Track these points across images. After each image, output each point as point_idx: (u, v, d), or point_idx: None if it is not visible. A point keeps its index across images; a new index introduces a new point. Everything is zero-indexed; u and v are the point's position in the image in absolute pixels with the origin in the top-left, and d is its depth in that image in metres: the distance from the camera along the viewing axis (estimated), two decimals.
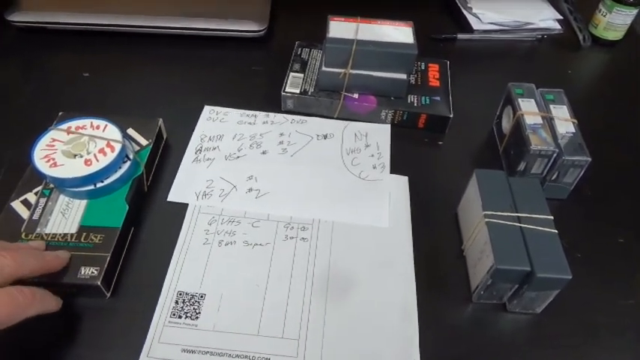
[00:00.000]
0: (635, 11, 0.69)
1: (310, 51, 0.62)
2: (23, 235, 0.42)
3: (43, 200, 0.44)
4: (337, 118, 0.58)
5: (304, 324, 0.41)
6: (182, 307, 0.41)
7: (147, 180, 0.49)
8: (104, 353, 0.39)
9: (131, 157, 0.47)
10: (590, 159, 0.47)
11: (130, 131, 0.50)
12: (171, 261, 0.44)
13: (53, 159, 0.44)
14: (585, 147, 0.48)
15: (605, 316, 0.44)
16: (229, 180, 0.50)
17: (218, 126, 0.56)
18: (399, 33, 0.56)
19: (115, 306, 0.42)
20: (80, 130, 0.47)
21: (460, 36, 0.71)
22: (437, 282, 0.45)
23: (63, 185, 0.44)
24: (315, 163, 0.53)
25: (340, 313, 0.42)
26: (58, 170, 0.43)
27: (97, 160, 0.45)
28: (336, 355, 0.39)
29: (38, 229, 0.42)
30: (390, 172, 0.53)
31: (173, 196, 0.49)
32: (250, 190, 0.50)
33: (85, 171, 0.44)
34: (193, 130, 0.55)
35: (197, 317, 0.41)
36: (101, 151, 0.45)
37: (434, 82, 0.59)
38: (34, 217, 0.43)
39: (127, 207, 0.45)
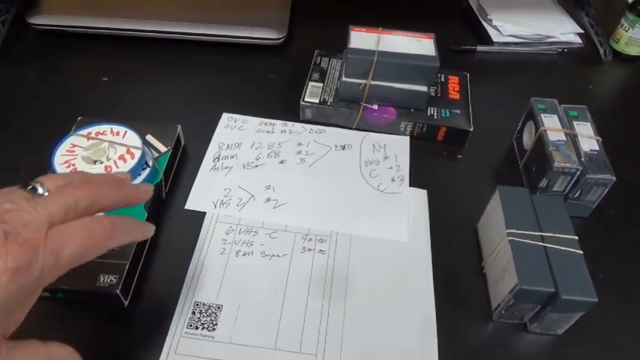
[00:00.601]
0: None
1: (329, 60, 0.62)
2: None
3: None
4: (356, 129, 0.57)
5: (322, 339, 0.40)
6: (199, 318, 0.41)
7: (165, 187, 0.49)
8: None
9: (150, 163, 0.47)
10: (614, 178, 0.46)
11: (149, 137, 0.50)
12: (188, 270, 0.44)
13: (73, 164, 0.44)
14: (610, 165, 0.47)
15: (628, 340, 0.43)
16: (247, 189, 0.50)
17: (236, 134, 0.56)
18: (420, 45, 0.55)
19: (132, 315, 0.41)
20: (100, 136, 0.47)
21: (479, 48, 0.71)
22: (456, 299, 0.44)
23: None
24: (333, 174, 0.52)
25: (358, 328, 0.41)
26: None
27: (117, 167, 0.45)
28: None
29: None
30: (409, 185, 0.52)
31: (191, 204, 0.49)
32: (268, 199, 0.49)
33: None
34: (211, 138, 0.55)
35: (214, 329, 0.40)
36: (121, 157, 0.45)
37: (454, 95, 0.59)
38: None
39: (146, 214, 0.44)
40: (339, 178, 0.52)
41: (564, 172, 0.47)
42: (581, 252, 0.40)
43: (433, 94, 0.58)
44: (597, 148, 0.48)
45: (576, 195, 0.49)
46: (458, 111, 0.57)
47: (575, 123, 0.51)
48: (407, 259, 0.46)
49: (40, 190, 0.29)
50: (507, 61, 0.71)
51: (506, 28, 0.72)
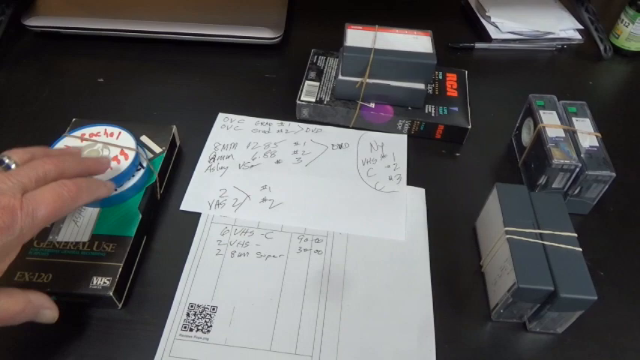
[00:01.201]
0: None
1: (326, 59, 0.61)
2: (35, 244, 0.41)
3: None
4: (353, 128, 0.57)
5: (318, 340, 0.40)
6: (194, 320, 0.40)
7: (160, 188, 0.48)
8: None
9: (144, 165, 0.47)
10: (614, 174, 0.46)
11: (144, 138, 0.50)
12: (183, 272, 0.43)
13: None
14: (610, 162, 0.46)
15: (629, 338, 0.42)
16: (243, 189, 0.50)
17: (232, 134, 0.55)
18: (418, 42, 0.55)
19: (126, 317, 0.41)
20: (94, 138, 0.46)
21: (478, 45, 0.70)
22: (454, 298, 0.43)
23: None
24: (330, 174, 0.52)
25: (355, 329, 0.41)
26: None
27: (111, 168, 0.44)
28: None
29: (50, 237, 0.42)
30: (407, 184, 0.51)
31: (186, 205, 0.48)
32: (264, 199, 0.49)
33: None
34: (207, 138, 0.55)
35: (209, 331, 0.40)
36: (115, 158, 0.45)
37: (452, 92, 0.58)
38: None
39: (140, 216, 0.44)
40: (336, 177, 0.51)
41: (563, 168, 0.47)
42: (580, 249, 0.39)
43: (431, 91, 0.58)
44: (597, 144, 0.48)
45: (576, 192, 0.48)
46: (456, 109, 0.56)
47: (574, 119, 0.50)
48: (405, 259, 0.45)
49: (7, 161, 0.34)
50: (506, 58, 0.70)
51: (505, 25, 0.71)
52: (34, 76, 0.62)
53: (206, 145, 0.54)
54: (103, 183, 0.39)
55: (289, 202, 0.49)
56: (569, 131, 0.49)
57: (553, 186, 0.49)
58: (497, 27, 0.71)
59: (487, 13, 0.72)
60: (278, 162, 0.52)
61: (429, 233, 0.48)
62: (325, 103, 0.56)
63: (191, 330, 0.40)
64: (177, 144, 0.53)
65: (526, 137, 0.53)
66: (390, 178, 0.52)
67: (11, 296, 0.34)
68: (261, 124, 0.56)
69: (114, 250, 0.41)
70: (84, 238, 0.42)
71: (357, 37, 0.55)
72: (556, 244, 0.40)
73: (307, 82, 0.58)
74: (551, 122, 0.50)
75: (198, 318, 0.40)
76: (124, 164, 0.45)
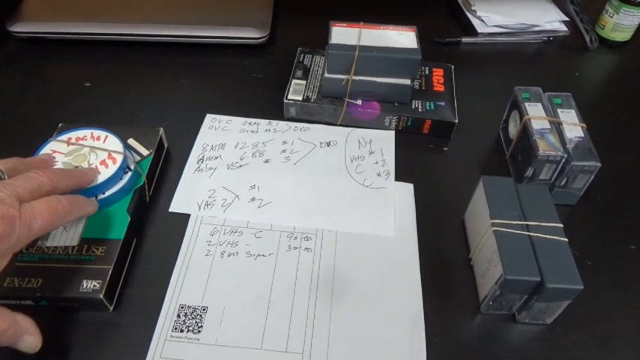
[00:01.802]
0: None
1: (313, 57, 0.61)
2: (24, 249, 0.41)
3: None
4: (340, 125, 0.57)
5: (308, 337, 0.40)
6: (184, 321, 0.40)
7: (149, 190, 0.48)
8: None
9: (132, 167, 0.47)
10: (599, 164, 0.46)
11: (131, 141, 0.50)
12: (173, 273, 0.43)
13: None
14: (595, 152, 0.47)
15: (618, 326, 0.43)
16: (232, 189, 0.50)
17: (220, 135, 0.55)
18: (403, 38, 0.55)
19: (117, 320, 0.41)
20: (81, 142, 0.46)
21: (464, 40, 0.70)
22: (444, 292, 0.44)
23: None
24: (318, 171, 0.52)
25: (345, 325, 0.41)
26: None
27: (99, 173, 0.44)
28: None
29: (39, 242, 0.42)
30: (395, 179, 0.52)
31: (175, 206, 0.48)
32: (253, 199, 0.49)
33: None
34: (195, 139, 0.55)
35: (199, 331, 0.40)
36: (102, 162, 0.45)
37: (438, 87, 0.59)
38: None
39: (129, 218, 0.44)
40: (325, 175, 0.52)
41: (549, 160, 0.47)
42: (566, 240, 0.40)
43: (417, 87, 0.58)
44: (582, 135, 0.48)
45: (563, 183, 0.48)
46: (443, 103, 0.57)
47: (559, 111, 0.50)
48: (394, 254, 0.46)
49: None
50: (493, 52, 0.70)
51: (491, 19, 0.71)
52: (19, 82, 0.61)
53: (194, 147, 0.54)
54: (91, 201, 0.41)
55: (278, 200, 0.49)
56: (555, 123, 0.49)
57: (540, 177, 0.49)
58: (483, 21, 0.71)
59: (473, 7, 0.73)
60: (266, 161, 0.53)
61: (418, 228, 0.48)
62: (312, 101, 0.56)
63: (182, 331, 0.40)
64: (165, 146, 0.53)
65: (513, 130, 0.53)
66: (379, 174, 0.52)
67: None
68: (249, 124, 0.56)
69: (103, 253, 0.42)
70: (73, 242, 0.42)
71: (342, 34, 0.55)
72: (542, 235, 0.40)
73: (294, 81, 0.58)
74: (536, 114, 0.50)
75: (189, 319, 0.41)
76: (112, 167, 0.45)
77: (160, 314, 0.41)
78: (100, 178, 0.44)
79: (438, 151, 0.56)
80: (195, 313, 0.41)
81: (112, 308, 0.41)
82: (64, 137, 0.46)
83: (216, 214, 0.48)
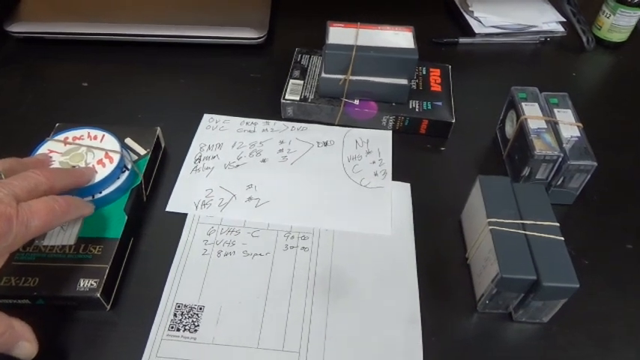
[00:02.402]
0: (639, 12, 0.68)
1: (310, 57, 0.61)
2: (21, 248, 0.41)
3: None
4: (338, 125, 0.57)
5: (305, 336, 0.40)
6: (181, 320, 0.40)
7: (146, 190, 0.48)
8: None
9: (129, 167, 0.47)
10: (596, 164, 0.46)
11: (128, 141, 0.50)
12: (170, 272, 0.43)
13: None
14: (591, 151, 0.47)
15: (615, 325, 0.43)
16: (229, 189, 0.50)
17: (217, 134, 0.55)
18: (400, 38, 0.55)
19: (113, 318, 0.41)
20: (78, 141, 0.46)
21: (462, 40, 0.70)
22: (441, 291, 0.44)
23: None
24: (315, 171, 0.52)
25: (342, 323, 0.41)
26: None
27: (96, 172, 0.44)
28: None
29: (36, 242, 0.42)
30: (392, 179, 0.52)
31: (172, 206, 0.48)
32: (250, 199, 0.49)
33: None
34: (192, 139, 0.55)
35: (196, 330, 0.40)
36: (100, 162, 0.45)
37: (435, 87, 0.59)
38: None
39: (126, 217, 0.44)
40: (322, 174, 0.52)
41: (545, 159, 0.47)
42: (562, 238, 0.40)
43: (414, 87, 0.58)
44: (578, 134, 0.48)
45: (559, 182, 0.48)
46: (440, 103, 0.57)
47: (556, 110, 0.50)
48: (391, 253, 0.46)
49: None
50: (490, 53, 0.70)
51: (488, 19, 0.72)
52: (17, 82, 0.61)
53: (191, 146, 0.54)
54: (87, 203, 0.41)
55: (275, 200, 0.49)
56: (551, 122, 0.49)
57: (537, 177, 0.49)
58: (480, 21, 0.72)
59: (470, 8, 0.73)
60: (264, 161, 0.53)
61: (415, 227, 0.48)
62: (310, 101, 0.56)
63: (178, 330, 0.40)
64: (163, 145, 0.53)
65: (509, 129, 0.53)
66: (376, 174, 0.52)
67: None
68: (247, 123, 0.57)
69: (100, 252, 0.42)
70: (70, 241, 0.42)
71: (339, 34, 0.55)
72: (538, 234, 0.40)
73: (291, 81, 0.58)
74: (533, 114, 0.50)
75: (186, 318, 0.41)
76: (109, 167, 0.45)
77: (157, 313, 0.41)
78: (97, 177, 0.44)
79: (435, 151, 0.56)
80: (191, 312, 0.41)
81: (109, 307, 0.41)
82: (61, 137, 0.47)
83: (213, 214, 0.48)
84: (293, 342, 0.39)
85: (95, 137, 0.47)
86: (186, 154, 0.53)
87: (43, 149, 0.45)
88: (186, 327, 0.40)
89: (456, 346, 0.41)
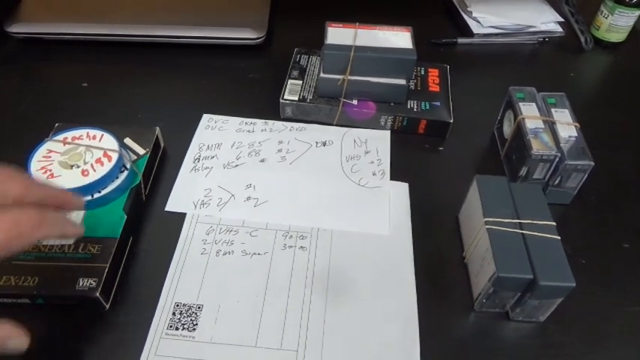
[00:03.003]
0: (637, 12, 0.68)
1: (309, 57, 0.62)
2: None
3: None
4: (336, 125, 0.57)
5: (303, 334, 0.40)
6: (179, 319, 0.41)
7: (145, 189, 0.49)
8: None
9: (128, 166, 0.47)
10: (593, 163, 0.46)
11: (127, 140, 0.50)
12: (169, 271, 0.44)
13: (50, 170, 0.44)
14: (588, 151, 0.47)
15: (611, 324, 0.43)
16: (227, 189, 0.50)
17: (216, 134, 0.55)
18: (398, 38, 0.55)
19: (112, 317, 0.41)
20: (76, 141, 0.47)
21: (460, 40, 0.71)
22: (438, 290, 0.44)
23: None
24: (314, 171, 0.52)
25: (340, 323, 0.41)
26: (54, 181, 0.43)
27: (94, 170, 0.44)
28: None
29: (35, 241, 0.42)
30: (390, 179, 0.52)
31: (171, 205, 0.49)
32: (249, 198, 0.49)
33: (82, 181, 0.44)
34: (192, 139, 0.55)
35: (194, 329, 0.40)
36: (98, 161, 0.45)
37: (434, 87, 0.59)
38: None
39: (125, 217, 0.44)
40: (320, 174, 0.52)
41: (543, 159, 0.47)
42: (559, 237, 0.40)
43: (413, 87, 0.58)
44: (575, 134, 0.48)
45: (557, 182, 0.49)
46: (438, 103, 0.57)
47: (553, 110, 0.51)
48: (389, 253, 0.46)
49: None
50: (489, 53, 0.71)
51: (487, 20, 0.72)
52: (17, 82, 0.62)
53: (191, 146, 0.54)
54: (73, 223, 0.35)
55: (274, 200, 0.49)
56: (549, 122, 0.50)
57: (534, 177, 0.49)
58: (479, 22, 0.72)
59: (469, 8, 0.73)
60: (262, 161, 0.53)
61: (413, 227, 0.48)
62: (308, 101, 0.56)
63: (177, 329, 0.40)
64: (162, 145, 0.53)
65: (507, 129, 0.54)
66: (374, 174, 0.52)
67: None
68: (246, 123, 0.57)
69: (100, 252, 0.42)
70: (69, 240, 0.42)
71: (337, 35, 0.55)
72: (535, 233, 0.40)
73: (290, 81, 0.58)
74: (530, 114, 0.50)
75: (184, 317, 0.41)
76: (108, 165, 0.45)
77: (156, 312, 0.41)
78: (96, 176, 0.44)
79: (433, 151, 0.56)
80: (190, 311, 0.41)
81: (108, 306, 0.41)
82: (60, 137, 0.47)
83: (212, 213, 0.48)
84: (291, 341, 0.40)
85: (94, 137, 0.47)
86: (185, 154, 0.53)
87: (42, 150, 0.46)
88: (185, 326, 0.40)
89: (453, 345, 0.41)
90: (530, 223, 0.41)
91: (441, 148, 0.56)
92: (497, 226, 0.41)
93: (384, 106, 0.56)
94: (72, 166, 0.45)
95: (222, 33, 0.65)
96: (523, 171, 0.49)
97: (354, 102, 0.56)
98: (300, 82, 0.58)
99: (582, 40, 0.71)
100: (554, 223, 0.41)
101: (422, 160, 0.55)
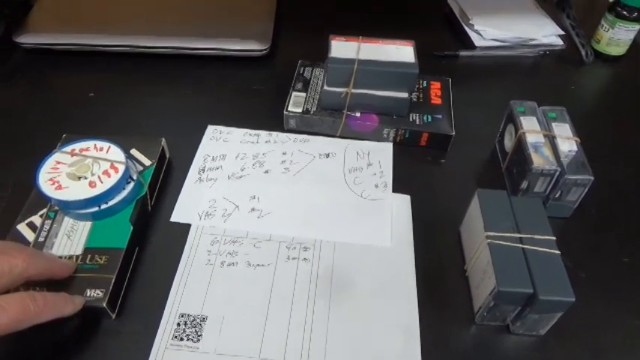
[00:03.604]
0: (637, 27, 0.69)
1: (313, 70, 0.62)
2: None
3: (48, 222, 0.45)
4: (339, 137, 0.58)
5: (306, 346, 0.41)
6: (184, 330, 0.41)
7: (150, 200, 0.49)
8: None
9: (135, 177, 0.48)
10: (592, 178, 0.47)
11: (134, 152, 0.51)
12: (174, 282, 0.44)
13: (58, 182, 0.45)
14: (588, 165, 0.48)
15: (612, 338, 0.43)
16: (232, 200, 0.51)
17: (221, 145, 0.56)
18: (401, 52, 0.56)
19: (118, 328, 0.42)
20: (84, 153, 0.47)
21: (462, 53, 0.71)
22: (439, 302, 0.44)
23: (68, 208, 0.45)
24: (317, 183, 0.53)
25: (342, 334, 0.41)
26: (62, 193, 0.44)
27: (101, 182, 0.45)
28: None
29: (44, 252, 0.43)
30: (393, 191, 0.53)
31: (176, 216, 0.49)
32: (253, 210, 0.50)
33: (89, 193, 0.44)
34: (196, 150, 0.56)
35: (199, 340, 0.41)
36: (105, 172, 0.46)
37: (436, 100, 0.60)
38: (39, 240, 0.44)
39: (132, 228, 0.45)
40: (323, 186, 0.52)
41: (543, 173, 0.48)
42: (559, 252, 0.40)
43: (415, 99, 0.59)
44: (575, 148, 0.49)
45: (557, 196, 0.49)
46: (440, 116, 0.58)
47: (553, 124, 0.51)
48: (390, 265, 0.46)
49: None
50: (490, 65, 0.71)
51: (488, 32, 0.73)
52: (24, 93, 0.63)
53: (196, 157, 0.55)
54: (72, 300, 0.38)
55: (277, 211, 0.50)
56: (549, 136, 0.50)
57: (535, 190, 0.50)
58: (480, 35, 0.73)
59: (470, 21, 0.74)
60: (266, 172, 0.53)
61: (414, 239, 0.49)
62: (312, 113, 0.57)
63: (181, 339, 0.41)
64: (167, 156, 0.54)
65: (508, 143, 0.54)
66: (376, 186, 0.53)
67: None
68: (250, 135, 0.58)
69: (106, 262, 0.42)
70: (77, 251, 0.43)
71: (341, 48, 0.56)
72: (535, 248, 0.41)
73: (294, 93, 0.59)
74: (531, 128, 0.51)
75: (189, 327, 0.41)
76: (114, 177, 0.46)
77: (161, 323, 0.42)
78: (104, 188, 0.45)
79: (435, 163, 0.57)
80: (194, 322, 0.42)
81: (114, 316, 0.42)
82: (68, 149, 0.48)
83: (216, 224, 0.49)
84: (294, 352, 0.40)
85: (101, 149, 0.48)
86: (190, 165, 0.54)
87: (50, 161, 0.46)
88: (190, 336, 0.41)
89: (454, 357, 0.41)
90: (531, 238, 0.41)
91: (442, 161, 0.57)
92: (498, 240, 0.41)
93: (387, 119, 0.57)
94: (79, 178, 0.45)
95: (227, 44, 0.66)
96: (524, 185, 0.50)
97: (357, 114, 0.57)
98: (304, 94, 0.59)
99: (583, 53, 0.72)
100: (554, 238, 0.41)
101: (424, 172, 0.56)
